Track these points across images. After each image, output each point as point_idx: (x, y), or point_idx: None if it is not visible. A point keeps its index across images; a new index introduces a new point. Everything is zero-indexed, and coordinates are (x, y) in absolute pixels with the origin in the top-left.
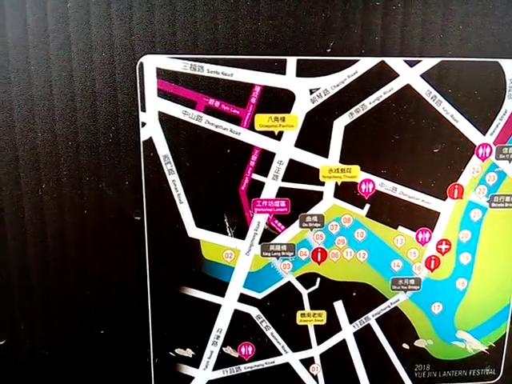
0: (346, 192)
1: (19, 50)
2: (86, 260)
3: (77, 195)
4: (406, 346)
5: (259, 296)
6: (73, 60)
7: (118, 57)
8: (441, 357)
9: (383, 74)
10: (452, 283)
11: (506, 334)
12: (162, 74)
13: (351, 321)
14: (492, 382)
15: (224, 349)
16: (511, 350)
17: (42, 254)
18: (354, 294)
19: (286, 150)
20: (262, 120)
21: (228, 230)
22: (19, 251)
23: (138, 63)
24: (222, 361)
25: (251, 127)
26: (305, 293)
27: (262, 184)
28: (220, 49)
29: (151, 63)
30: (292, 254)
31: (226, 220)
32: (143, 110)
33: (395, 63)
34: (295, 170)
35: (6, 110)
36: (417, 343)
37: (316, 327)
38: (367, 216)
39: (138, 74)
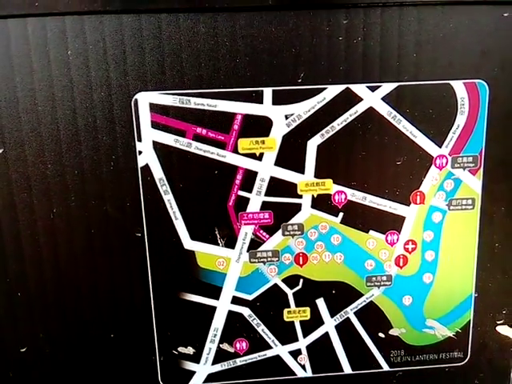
0: (322, 203)
1: (27, 93)
2: (95, 272)
3: (84, 217)
4: (381, 334)
5: (250, 297)
6: (75, 100)
7: (115, 95)
8: (413, 343)
9: (348, 99)
10: (419, 278)
11: (470, 320)
12: (154, 108)
13: (332, 315)
14: (461, 363)
15: (221, 345)
16: (476, 334)
17: (56, 269)
18: (334, 291)
19: (266, 169)
20: (245, 144)
21: (219, 241)
22: (36, 268)
23: (133, 100)
24: (220, 356)
25: (235, 150)
26: (290, 292)
27: (248, 199)
28: (204, 83)
29: (145, 99)
30: (277, 259)
31: (217, 232)
32: (139, 140)
33: (358, 89)
34: (276, 186)
35: (18, 145)
36: (391, 332)
37: (301, 322)
38: (341, 223)
39: (133, 109)
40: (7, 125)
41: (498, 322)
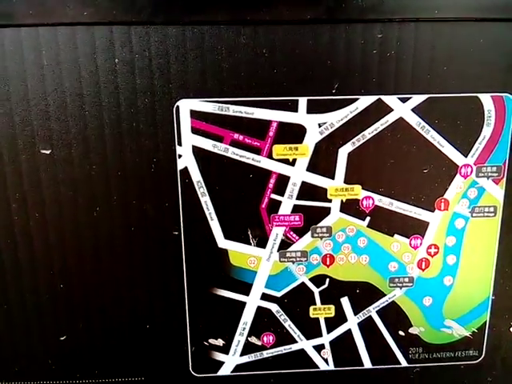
0: (350, 207)
1: (75, 98)
2: (133, 269)
3: (125, 216)
4: (401, 332)
5: (278, 294)
6: (121, 105)
7: (159, 102)
8: (431, 341)
9: (380, 109)
10: (440, 280)
11: (486, 321)
12: (194, 114)
13: (355, 313)
14: (475, 361)
15: (249, 338)
16: (491, 334)
17: (97, 263)
18: (358, 291)
19: (299, 174)
20: (279, 150)
21: (251, 241)
22: (78, 262)
23: (175, 106)
24: (248, 348)
25: (270, 156)
26: (316, 291)
27: (279, 202)
28: (243, 92)
29: (186, 106)
30: (305, 259)
31: (249, 232)
32: (179, 144)
33: (390, 100)
34: (307, 190)
35: (65, 147)
36: (411, 330)
37: (326, 319)
38: (368, 226)
39: (174, 115)
40: (56, 128)
41: None
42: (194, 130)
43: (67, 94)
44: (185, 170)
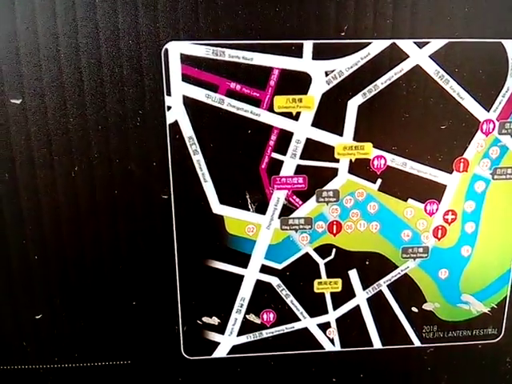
0: (360, 168)
1: (49, 39)
2: (118, 236)
3: (107, 176)
4: (414, 309)
5: (279, 266)
6: (101, 47)
7: (144, 44)
8: (447, 318)
9: (394, 56)
10: (457, 250)
11: (506, 296)
12: (185, 59)
13: (364, 288)
14: (494, 340)
15: (247, 316)
16: None
17: (76, 231)
18: (367, 262)
19: (303, 130)
20: (281, 101)
21: (250, 206)
22: (55, 230)
23: (163, 49)
24: (246, 327)
25: (270, 109)
26: (321, 263)
27: (281, 162)
28: (240, 34)
29: (175, 49)
30: (309, 226)
31: (247, 197)
32: (168, 94)
33: (405, 45)
34: (312, 149)
35: (38, 96)
36: (425, 306)
37: (332, 294)
38: (379, 190)
39: (163, 59)
40: (27, 73)
41: None
42: (185, 78)
43: (40, 33)
44: (175, 124)
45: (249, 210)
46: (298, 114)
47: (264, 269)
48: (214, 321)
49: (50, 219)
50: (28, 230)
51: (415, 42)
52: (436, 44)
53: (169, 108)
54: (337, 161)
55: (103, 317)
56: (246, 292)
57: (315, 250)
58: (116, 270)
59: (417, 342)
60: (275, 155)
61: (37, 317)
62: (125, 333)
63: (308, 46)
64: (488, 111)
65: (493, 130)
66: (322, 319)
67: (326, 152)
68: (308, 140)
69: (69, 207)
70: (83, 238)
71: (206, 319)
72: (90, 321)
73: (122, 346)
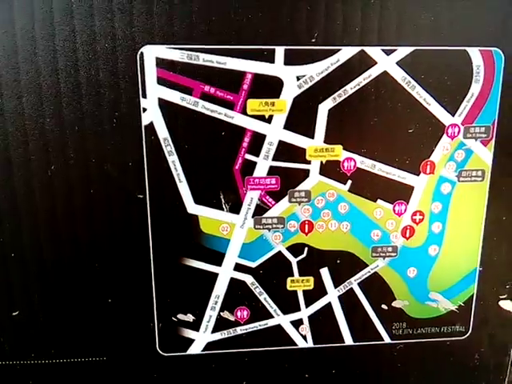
0: (330, 170)
1: (27, 42)
2: (94, 235)
3: (83, 176)
4: (384, 306)
5: (253, 265)
6: (78, 50)
7: (120, 47)
8: (416, 315)
9: (363, 62)
10: (425, 250)
11: (473, 294)
12: (161, 63)
13: (336, 285)
14: (462, 337)
15: (222, 313)
16: (479, 308)
17: (53, 231)
18: (338, 261)
19: (275, 132)
20: (254, 105)
21: (224, 206)
22: (31, 228)
23: (139, 53)
24: (220, 324)
25: (244, 111)
26: (294, 261)
27: (254, 163)
28: (214, 39)
29: (151, 53)
30: (282, 226)
31: (221, 197)
32: (144, 96)
33: (373, 52)
34: (284, 150)
35: (15, 97)
36: (394, 304)
37: (304, 292)
38: (349, 191)
39: (138, 63)
40: (5, 75)
41: (501, 297)
42: (161, 81)
43: (18, 36)
44: (150, 126)
45: (223, 209)
46: (271, 117)
47: (238, 267)
48: (189, 318)
49: (26, 218)
50: (5, 228)
51: (383, 50)
52: (403, 51)
53: (144, 110)
54: (308, 162)
55: (79, 314)
56: (220, 290)
57: (288, 248)
58: (92, 267)
59: (387, 339)
60: (248, 156)
61: (14, 313)
62: (101, 330)
63: (280, 51)
64: (453, 116)
65: (458, 133)
66: (294, 316)
67: (298, 154)
68: (280, 142)
69: (45, 206)
70: (60, 237)
71: (181, 316)
72: (67, 318)
73: (98, 342)
